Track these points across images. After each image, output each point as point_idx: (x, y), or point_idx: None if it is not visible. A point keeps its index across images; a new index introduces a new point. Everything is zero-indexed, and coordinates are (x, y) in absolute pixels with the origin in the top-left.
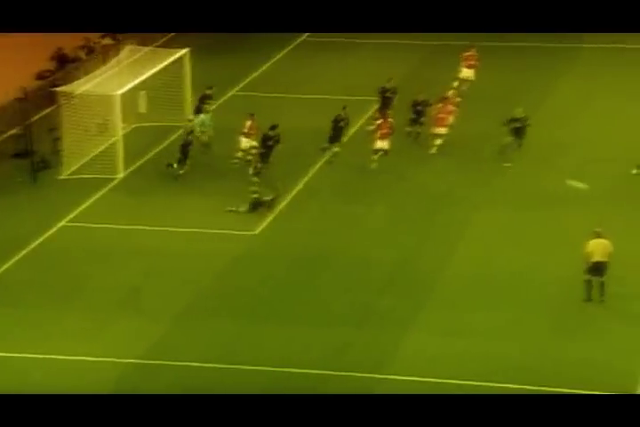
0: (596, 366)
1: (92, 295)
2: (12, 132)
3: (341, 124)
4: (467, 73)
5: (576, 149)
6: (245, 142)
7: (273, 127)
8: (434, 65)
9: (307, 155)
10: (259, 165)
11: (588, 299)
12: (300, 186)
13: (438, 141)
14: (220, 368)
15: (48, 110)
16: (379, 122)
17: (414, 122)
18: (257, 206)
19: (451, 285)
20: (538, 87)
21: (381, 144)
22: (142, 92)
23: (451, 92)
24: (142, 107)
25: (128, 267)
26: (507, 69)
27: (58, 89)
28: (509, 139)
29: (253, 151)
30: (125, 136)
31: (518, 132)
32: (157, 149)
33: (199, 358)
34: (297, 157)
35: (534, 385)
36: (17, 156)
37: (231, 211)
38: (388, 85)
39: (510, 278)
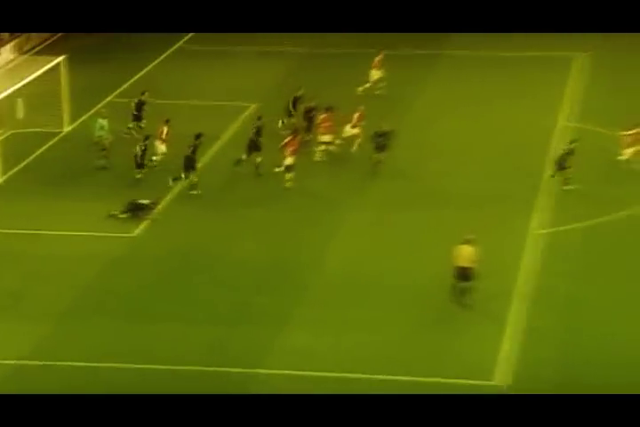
0: (455, 358)
1: None
2: None
3: (260, 133)
4: (377, 74)
5: (446, 152)
6: (162, 148)
7: (198, 136)
8: (307, 71)
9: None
10: (182, 175)
11: (454, 301)
12: (178, 189)
13: (322, 147)
14: (102, 367)
15: None
16: (288, 139)
17: (307, 130)
18: (136, 209)
19: (324, 283)
20: (406, 91)
21: (289, 161)
22: (19, 99)
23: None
24: (20, 113)
25: (7, 270)
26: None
27: None
28: (375, 155)
29: (157, 158)
30: (2, 142)
31: (382, 148)
32: (36, 155)
33: (81, 358)
34: (176, 161)
35: (401, 375)
36: None
37: (112, 215)
38: (298, 94)
39: (381, 276)
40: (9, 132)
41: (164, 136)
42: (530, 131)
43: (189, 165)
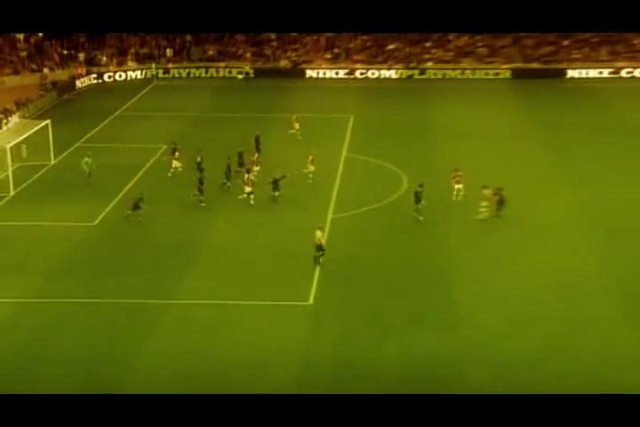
0: (286, 290)
1: None
2: None
3: (230, 168)
4: (296, 126)
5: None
6: (175, 163)
7: (201, 170)
8: (197, 127)
9: (128, 178)
10: (198, 194)
11: (315, 264)
12: (122, 193)
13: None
14: (77, 302)
15: None
16: (247, 175)
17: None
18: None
19: (212, 250)
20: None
21: (250, 189)
22: (23, 145)
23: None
24: (24, 153)
25: (15, 246)
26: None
27: None
28: (272, 194)
29: (180, 169)
30: (14, 171)
31: (276, 188)
32: (34, 178)
33: (64, 296)
34: (122, 178)
35: (255, 301)
36: None
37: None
38: (258, 133)
39: (249, 245)
40: (17, 165)
41: (176, 156)
42: (329, 159)
43: (200, 189)
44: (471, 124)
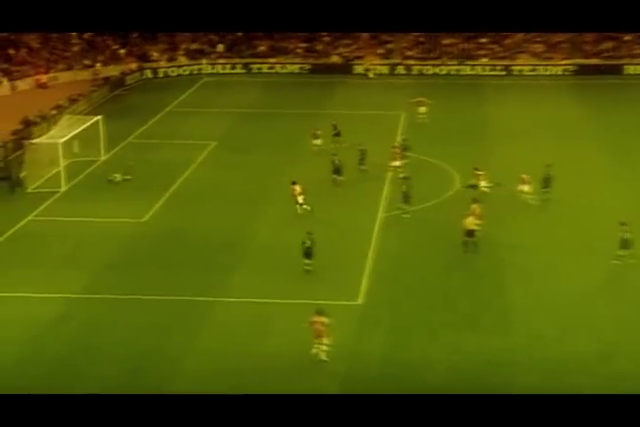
0: (336, 289)
1: (44, 257)
2: None
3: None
4: (422, 110)
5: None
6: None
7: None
8: (244, 123)
9: (178, 174)
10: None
11: (466, 251)
12: (172, 189)
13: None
14: (128, 298)
15: (19, 152)
16: (299, 189)
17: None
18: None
19: (259, 249)
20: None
21: (301, 199)
22: (75, 141)
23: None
24: (75, 149)
25: (65, 241)
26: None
27: (24, 141)
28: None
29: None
30: (66, 167)
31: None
32: (85, 173)
33: (113, 293)
34: (172, 174)
35: (301, 300)
36: (1, 179)
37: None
38: (334, 123)
39: (290, 247)
40: (70, 161)
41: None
42: (380, 157)
43: (406, 199)
44: (526, 123)
